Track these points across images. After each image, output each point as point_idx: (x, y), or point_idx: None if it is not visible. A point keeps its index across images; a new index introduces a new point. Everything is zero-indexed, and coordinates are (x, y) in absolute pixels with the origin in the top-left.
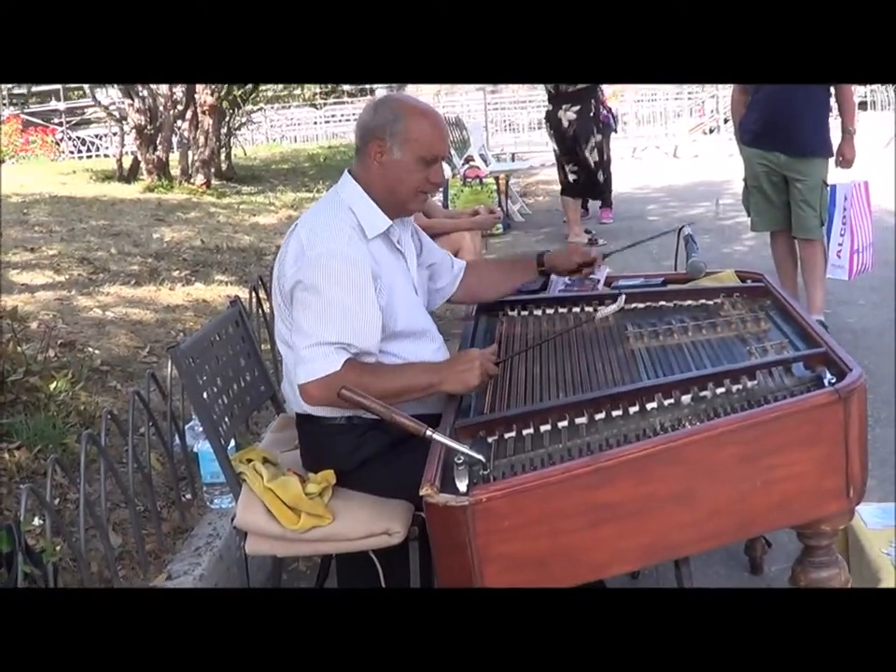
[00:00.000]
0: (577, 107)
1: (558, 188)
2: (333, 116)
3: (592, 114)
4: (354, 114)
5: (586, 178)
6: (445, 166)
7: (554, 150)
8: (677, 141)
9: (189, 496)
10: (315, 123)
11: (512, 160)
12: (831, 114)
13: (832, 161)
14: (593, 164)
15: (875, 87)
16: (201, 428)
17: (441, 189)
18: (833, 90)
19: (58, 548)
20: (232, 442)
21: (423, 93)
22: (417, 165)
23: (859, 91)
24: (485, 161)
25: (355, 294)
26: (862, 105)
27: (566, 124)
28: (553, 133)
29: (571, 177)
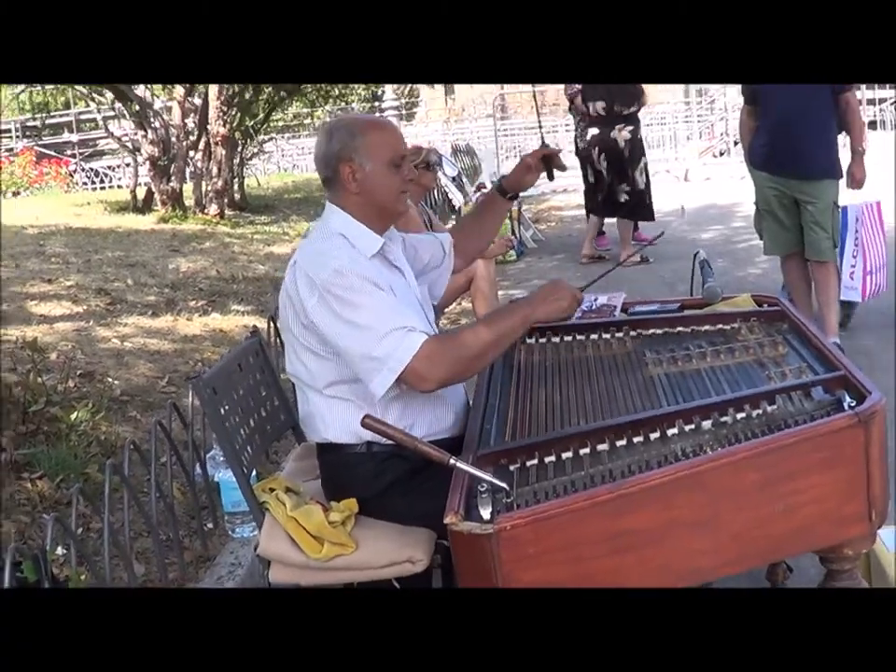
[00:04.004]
0: (631, 128)
1: (571, 213)
2: None
3: (639, 136)
4: None
5: (638, 199)
6: (457, 193)
7: (600, 173)
8: (687, 164)
9: (210, 525)
10: None
11: None
12: (839, 134)
13: (842, 182)
14: (643, 185)
15: (883, 106)
16: (221, 458)
17: (453, 218)
18: (839, 109)
19: (82, 577)
20: (253, 472)
21: (432, 120)
22: (389, 169)
23: (867, 111)
24: None
25: (382, 293)
26: (871, 125)
27: (622, 144)
28: (605, 154)
29: (623, 197)
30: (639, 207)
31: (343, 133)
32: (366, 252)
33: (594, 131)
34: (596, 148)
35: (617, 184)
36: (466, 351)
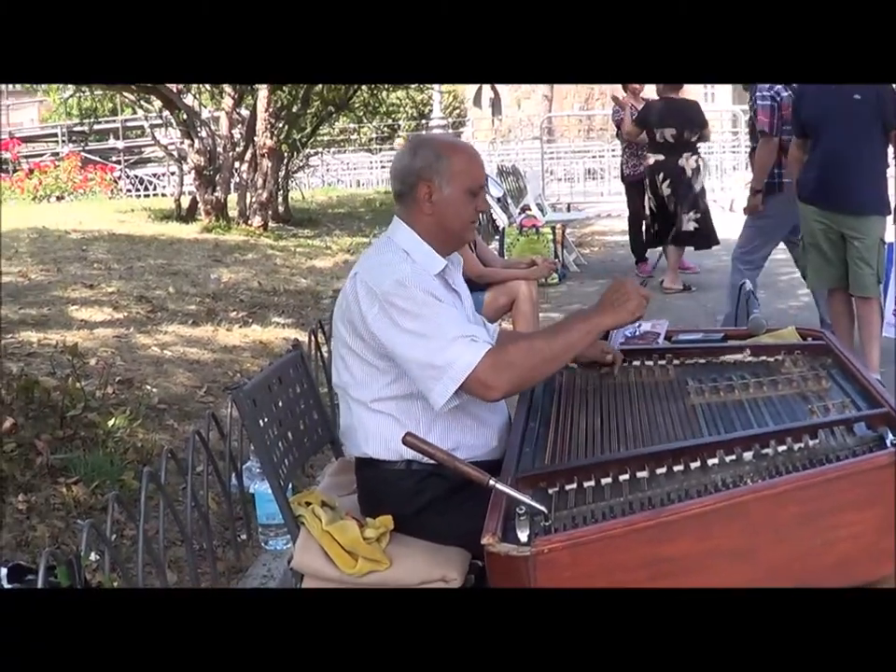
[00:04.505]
0: (696, 156)
1: (614, 238)
2: (389, 161)
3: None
4: None
5: (705, 228)
6: (502, 214)
7: (662, 199)
8: (733, 194)
9: (244, 536)
10: (371, 168)
11: (568, 209)
12: (889, 170)
13: (889, 218)
14: (709, 213)
15: None
16: (257, 469)
17: (497, 238)
18: (891, 147)
19: (115, 583)
20: (289, 485)
21: (478, 140)
22: (466, 197)
23: None
24: (542, 211)
25: (443, 304)
26: None
27: (689, 172)
28: (671, 181)
29: (692, 226)
30: (707, 235)
31: (428, 152)
32: (428, 271)
33: (658, 157)
34: (661, 174)
35: (684, 212)
36: (531, 360)
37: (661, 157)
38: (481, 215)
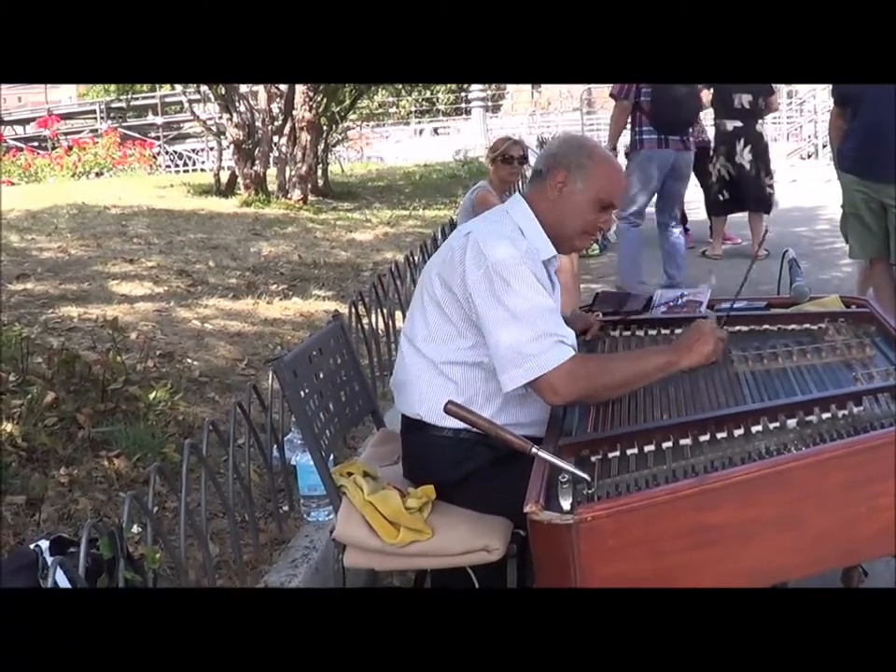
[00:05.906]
0: (763, 123)
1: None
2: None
3: None
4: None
5: (773, 191)
6: None
7: (741, 166)
8: (774, 165)
9: (286, 508)
10: (410, 141)
11: None
12: None
13: None
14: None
15: None
16: (299, 441)
17: None
18: None
19: (157, 555)
20: (331, 456)
21: (517, 113)
22: (593, 205)
23: None
24: None
25: (546, 294)
26: None
27: (766, 137)
28: (751, 147)
29: (768, 191)
30: (773, 199)
31: (578, 147)
32: (539, 254)
33: (736, 123)
34: (741, 140)
35: (764, 177)
36: (605, 379)
37: (739, 123)
38: (520, 184)
